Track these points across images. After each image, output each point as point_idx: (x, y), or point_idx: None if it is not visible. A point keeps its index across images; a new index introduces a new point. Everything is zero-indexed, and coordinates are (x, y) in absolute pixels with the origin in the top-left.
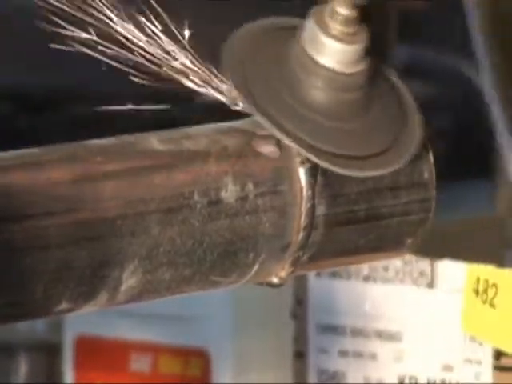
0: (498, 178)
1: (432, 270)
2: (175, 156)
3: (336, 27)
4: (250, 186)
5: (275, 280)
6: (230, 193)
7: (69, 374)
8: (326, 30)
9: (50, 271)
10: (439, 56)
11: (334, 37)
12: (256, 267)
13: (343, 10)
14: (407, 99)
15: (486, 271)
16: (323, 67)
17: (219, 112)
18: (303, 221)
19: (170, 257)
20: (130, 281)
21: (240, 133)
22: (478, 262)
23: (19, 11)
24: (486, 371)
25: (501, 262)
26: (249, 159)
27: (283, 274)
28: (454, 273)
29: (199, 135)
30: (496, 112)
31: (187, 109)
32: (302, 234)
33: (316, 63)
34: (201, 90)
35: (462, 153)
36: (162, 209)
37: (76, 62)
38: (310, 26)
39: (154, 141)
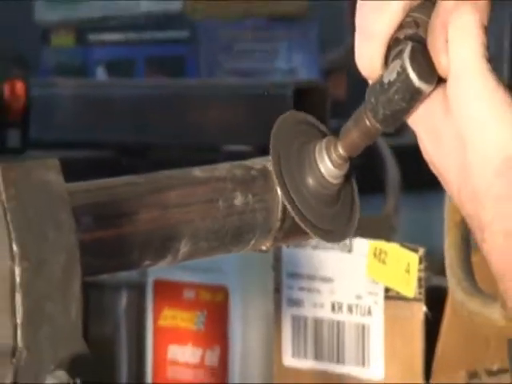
0: (386, 190)
1: (350, 243)
2: (208, 179)
3: (334, 156)
4: (250, 196)
5: (263, 248)
6: (238, 200)
7: (149, 304)
8: (329, 154)
9: (139, 244)
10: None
11: (332, 161)
12: (253, 241)
13: (341, 150)
14: (354, 190)
15: (380, 244)
16: (321, 172)
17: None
18: (280, 215)
19: (205, 235)
20: (183, 249)
21: (244, 167)
22: (376, 239)
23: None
24: (380, 299)
25: (388, 240)
26: (249, 181)
27: (268, 245)
28: (363, 244)
29: (222, 168)
30: (381, 144)
31: (217, 155)
32: (279, 223)
33: (318, 168)
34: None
35: (362, 176)
36: (201, 209)
37: (159, 125)
38: (323, 146)
39: (197, 171)
